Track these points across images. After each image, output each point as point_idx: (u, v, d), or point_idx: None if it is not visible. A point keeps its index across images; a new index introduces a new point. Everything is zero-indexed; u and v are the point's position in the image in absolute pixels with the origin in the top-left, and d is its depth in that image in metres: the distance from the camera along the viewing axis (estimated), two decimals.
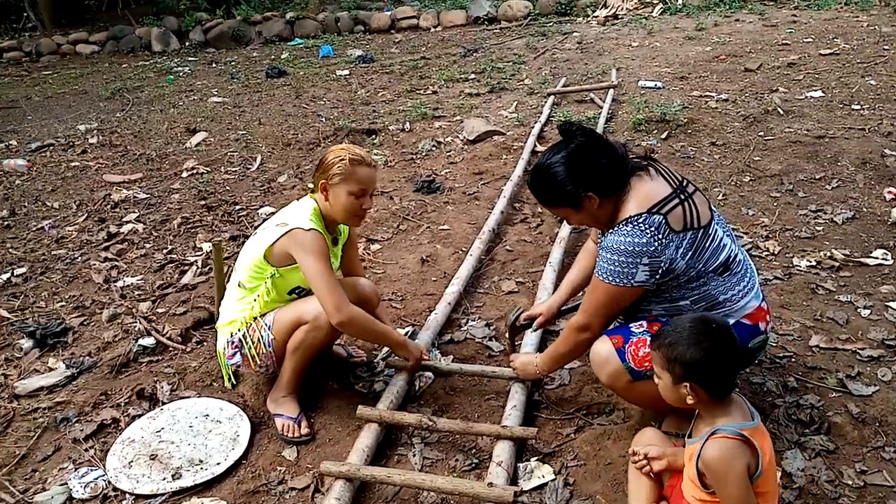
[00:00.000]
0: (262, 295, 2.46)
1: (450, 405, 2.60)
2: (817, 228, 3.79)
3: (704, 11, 10.66)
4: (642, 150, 5.09)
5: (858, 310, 2.99)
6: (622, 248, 1.98)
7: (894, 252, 3.46)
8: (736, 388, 1.79)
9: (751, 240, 3.69)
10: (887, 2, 9.87)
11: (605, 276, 2.04)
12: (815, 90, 6.21)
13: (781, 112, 5.66)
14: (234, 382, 2.77)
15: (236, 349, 2.52)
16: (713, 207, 2.15)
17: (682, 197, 2.05)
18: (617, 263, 2.00)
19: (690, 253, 2.02)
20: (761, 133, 5.28)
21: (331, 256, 2.56)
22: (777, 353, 2.72)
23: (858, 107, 5.70)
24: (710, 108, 5.91)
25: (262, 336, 2.47)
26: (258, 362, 2.51)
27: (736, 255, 2.12)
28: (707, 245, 2.05)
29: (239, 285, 2.51)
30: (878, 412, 2.35)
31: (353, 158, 2.37)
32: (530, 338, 2.77)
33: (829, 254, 3.45)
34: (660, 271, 2.00)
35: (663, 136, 5.36)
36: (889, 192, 4.13)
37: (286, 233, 2.33)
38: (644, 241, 1.96)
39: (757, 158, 4.83)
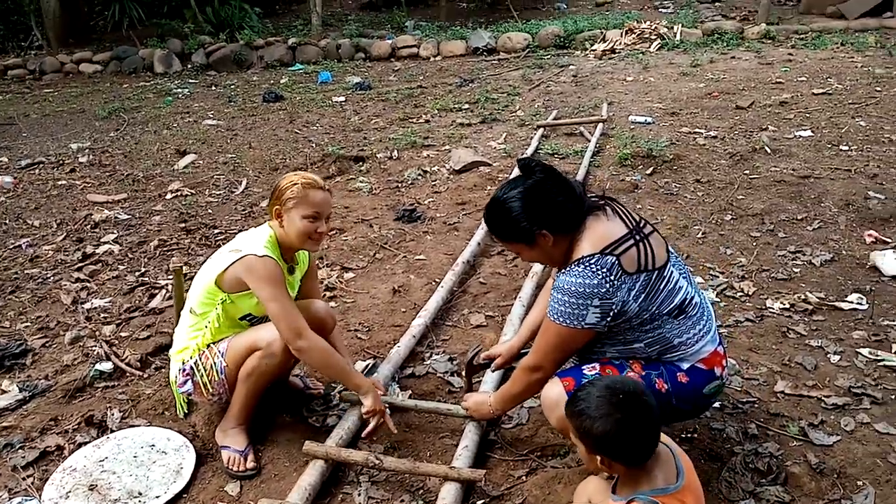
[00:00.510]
0: (213, 321, 2.42)
1: (403, 442, 2.54)
2: (794, 270, 3.74)
3: (702, 48, 10.71)
4: (627, 185, 5.07)
5: (828, 355, 2.93)
6: (573, 289, 1.94)
7: (870, 296, 3.41)
8: (663, 444, 1.71)
9: (726, 280, 3.65)
10: (882, 44, 9.92)
11: (555, 316, 1.99)
12: (805, 129, 6.20)
13: (769, 151, 5.64)
14: (187, 411, 2.71)
15: (188, 377, 2.47)
16: (670, 249, 2.11)
17: (638, 238, 2.01)
18: (567, 304, 1.96)
19: (644, 295, 1.97)
20: (747, 171, 5.26)
21: (286, 285, 2.52)
22: (740, 398, 2.66)
23: (847, 147, 5.68)
24: (697, 145, 5.90)
25: (214, 363, 2.42)
26: (210, 390, 2.46)
27: (692, 298, 2.07)
28: (661, 287, 2.00)
29: (191, 311, 2.47)
30: (837, 463, 2.29)
31: (306, 182, 2.36)
32: (490, 377, 2.71)
33: (803, 297, 3.40)
34: (611, 313, 1.95)
35: (648, 171, 5.33)
36: (869, 234, 4.08)
37: (239, 259, 2.30)
38: (595, 282, 1.92)
39: (740, 197, 4.80)
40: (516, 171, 5.23)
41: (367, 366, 2.93)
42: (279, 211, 2.37)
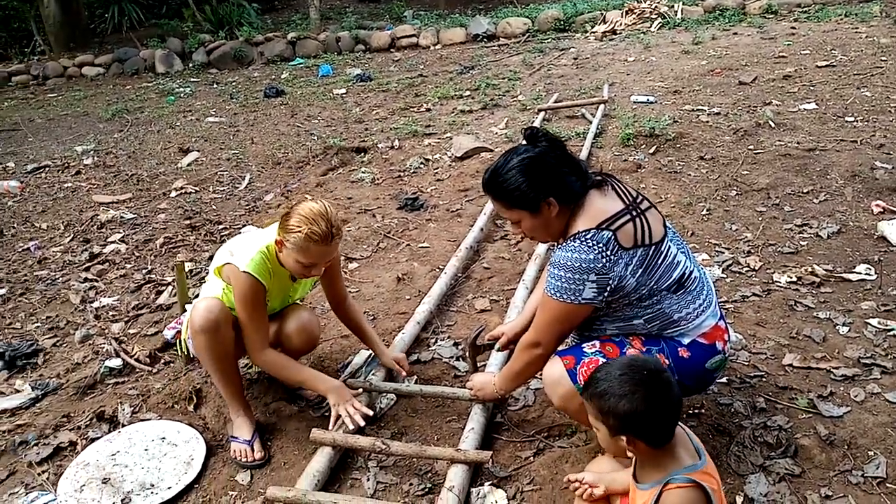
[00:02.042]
0: (222, 295, 2.47)
1: (410, 427, 2.55)
2: (801, 243, 3.72)
3: (703, 25, 10.62)
4: (630, 165, 5.04)
5: (837, 327, 2.92)
6: (569, 263, 1.93)
7: (878, 267, 3.38)
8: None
9: (732, 255, 3.63)
10: (887, 13, 9.79)
11: (552, 292, 1.99)
12: (809, 102, 6.14)
13: (773, 125, 5.60)
14: (187, 355, 2.74)
15: (178, 325, 2.63)
16: (668, 224, 2.10)
17: (634, 213, 2.00)
18: (564, 280, 1.95)
19: (641, 270, 1.97)
20: (751, 147, 5.22)
21: (288, 291, 2.56)
22: (748, 372, 2.65)
23: (852, 119, 5.62)
24: (700, 122, 5.85)
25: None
26: (184, 348, 2.63)
27: (691, 273, 2.06)
28: (659, 262, 1.99)
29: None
30: (847, 434, 2.27)
31: (311, 235, 2.19)
32: (495, 358, 2.71)
33: (810, 269, 3.37)
34: (608, 288, 1.95)
35: (651, 150, 5.30)
36: (877, 205, 4.05)
37: (227, 263, 2.36)
38: (591, 257, 1.91)
39: (745, 172, 4.77)
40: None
41: (369, 354, 2.93)
42: (281, 240, 2.29)
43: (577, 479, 1.82)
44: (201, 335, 2.34)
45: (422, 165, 5.64)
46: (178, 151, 6.95)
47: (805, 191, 4.39)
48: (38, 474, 2.44)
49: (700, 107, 6.33)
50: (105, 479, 2.37)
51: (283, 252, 2.31)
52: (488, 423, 2.46)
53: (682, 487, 1.54)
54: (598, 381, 1.62)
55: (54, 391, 2.97)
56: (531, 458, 2.31)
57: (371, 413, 2.42)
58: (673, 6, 11.59)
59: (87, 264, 4.37)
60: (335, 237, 2.25)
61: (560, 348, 2.13)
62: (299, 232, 2.20)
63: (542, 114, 6.68)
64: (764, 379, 2.62)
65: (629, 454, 1.62)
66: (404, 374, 2.72)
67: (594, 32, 11.16)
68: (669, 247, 2.03)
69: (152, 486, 2.32)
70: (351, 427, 2.35)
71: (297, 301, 2.72)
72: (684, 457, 1.60)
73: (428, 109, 7.64)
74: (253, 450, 2.41)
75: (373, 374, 2.70)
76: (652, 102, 6.68)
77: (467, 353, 2.63)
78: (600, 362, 2.00)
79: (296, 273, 2.34)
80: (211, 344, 2.35)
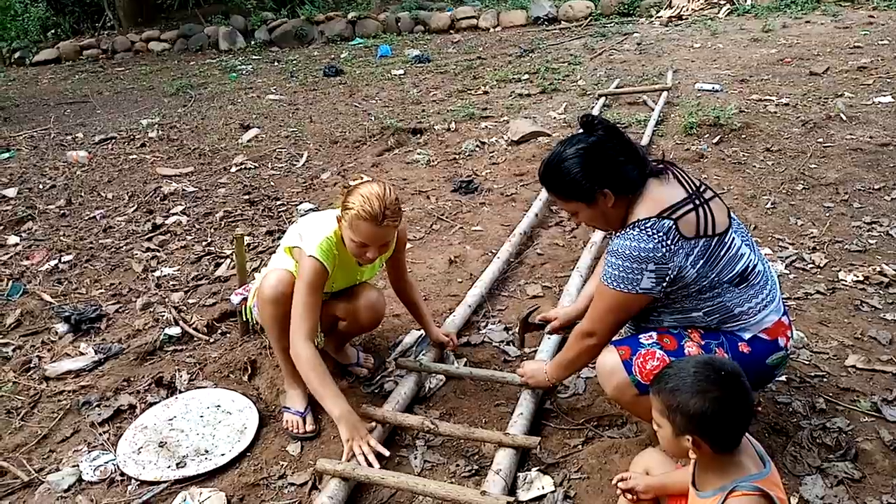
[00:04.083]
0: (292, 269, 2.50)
1: (458, 408, 2.56)
2: (870, 241, 3.57)
3: (774, 12, 10.24)
4: (692, 154, 4.92)
5: None
6: (627, 252, 1.90)
7: None
8: None
9: (796, 251, 3.51)
10: None
11: (609, 281, 1.96)
12: (885, 95, 5.87)
13: (844, 118, 5.37)
14: (249, 322, 2.86)
15: (245, 292, 2.71)
16: (733, 215, 2.03)
17: (697, 202, 1.95)
18: (622, 269, 1.92)
19: (702, 261, 1.91)
20: (820, 140, 5.02)
21: (356, 274, 2.59)
22: (808, 371, 2.56)
23: None
24: (768, 113, 5.66)
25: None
26: (249, 316, 2.72)
27: (755, 266, 2.00)
28: (722, 254, 1.94)
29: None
30: None
31: (361, 213, 2.19)
32: (546, 345, 2.70)
33: (878, 269, 3.24)
34: (667, 279, 1.91)
35: (715, 140, 5.15)
36: None
37: (296, 246, 2.39)
38: (651, 246, 1.87)
39: (813, 166, 4.59)
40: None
41: (420, 335, 2.95)
42: (340, 216, 2.30)
43: (626, 483, 1.77)
44: (270, 305, 2.38)
45: (477, 148, 5.61)
46: (239, 127, 7.09)
47: (876, 187, 4.21)
48: (100, 434, 2.54)
49: (768, 97, 6.12)
50: (162, 442, 2.44)
51: (340, 229, 2.33)
52: (537, 409, 2.44)
53: (747, 495, 1.47)
54: (670, 377, 1.56)
55: (116, 355, 3.07)
56: (579, 447, 2.29)
57: (387, 453, 2.21)
58: None
59: (150, 234, 4.50)
60: (387, 219, 2.20)
61: (616, 338, 2.10)
62: (352, 209, 2.22)
63: (602, 99, 6.56)
64: (825, 379, 2.53)
65: (691, 456, 1.55)
66: (452, 346, 2.77)
67: (659, 17, 10.89)
68: (734, 238, 1.97)
69: (206, 451, 2.39)
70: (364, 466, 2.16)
71: (366, 281, 2.73)
72: (749, 464, 1.53)
73: (485, 92, 7.59)
74: (305, 422, 2.45)
75: (424, 355, 2.72)
76: (717, 91, 6.49)
77: (518, 330, 2.62)
78: (657, 354, 1.97)
79: (351, 252, 2.34)
80: (278, 315, 2.39)
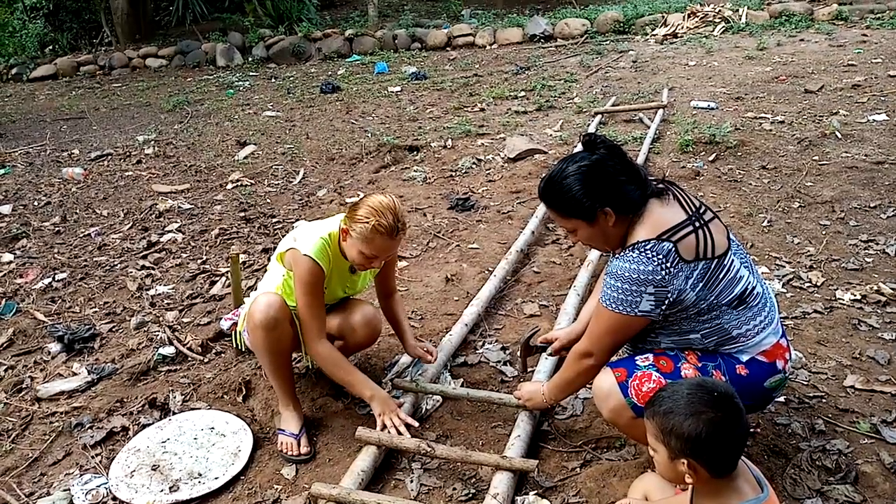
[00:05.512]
0: (280, 286, 2.53)
1: (455, 430, 2.53)
2: (867, 260, 3.57)
3: (768, 30, 10.30)
4: (688, 172, 4.93)
5: None
6: (627, 274, 1.89)
7: None
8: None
9: (793, 269, 3.50)
10: None
11: (608, 303, 1.94)
12: (879, 113, 5.90)
13: (839, 136, 5.39)
14: (241, 349, 2.87)
15: (235, 317, 2.69)
16: (732, 237, 2.03)
17: (697, 224, 1.94)
18: (621, 291, 1.90)
19: (702, 284, 1.90)
20: (816, 157, 5.04)
21: (322, 290, 2.55)
22: (807, 392, 2.55)
23: None
24: (763, 131, 5.68)
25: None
26: (239, 340, 2.73)
27: (753, 288, 1.99)
28: (721, 276, 1.93)
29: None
30: None
31: (378, 227, 2.24)
32: (544, 365, 2.68)
33: (876, 287, 3.23)
34: (666, 301, 1.89)
35: (710, 158, 5.17)
36: None
37: (290, 249, 2.38)
38: (650, 268, 1.86)
39: (809, 184, 4.60)
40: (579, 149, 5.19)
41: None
42: (347, 229, 2.33)
43: None
44: (260, 330, 2.36)
45: (474, 166, 5.61)
46: (236, 144, 7.09)
47: (872, 205, 4.21)
48: (92, 457, 2.51)
49: (763, 114, 6.14)
50: (155, 465, 2.41)
51: (347, 241, 2.35)
52: (535, 431, 2.42)
53: None
54: (663, 399, 1.55)
55: (109, 376, 3.04)
56: (578, 470, 2.27)
57: (416, 424, 2.40)
58: (737, 10, 11.27)
59: (145, 252, 4.48)
60: (400, 232, 2.29)
61: (612, 360, 2.08)
62: (367, 223, 2.24)
63: (598, 117, 6.58)
64: (824, 400, 2.52)
65: (688, 480, 1.53)
66: (430, 358, 2.71)
67: (654, 35, 10.95)
68: (733, 260, 1.96)
69: (200, 475, 2.36)
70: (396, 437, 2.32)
71: (356, 296, 2.73)
72: (746, 489, 1.52)
73: (482, 109, 7.61)
74: (300, 444, 2.43)
75: (420, 375, 2.70)
76: (713, 109, 6.52)
77: (520, 354, 2.60)
78: (653, 376, 1.95)
79: (357, 263, 2.37)
80: (269, 340, 2.38)
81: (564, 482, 2.22)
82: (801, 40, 9.47)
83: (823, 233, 3.92)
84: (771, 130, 5.68)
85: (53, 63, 13.86)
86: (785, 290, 3.32)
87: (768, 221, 4.10)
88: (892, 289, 3.21)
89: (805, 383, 2.61)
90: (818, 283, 3.36)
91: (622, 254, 1.93)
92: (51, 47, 15.19)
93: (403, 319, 2.77)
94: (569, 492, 2.17)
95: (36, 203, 5.66)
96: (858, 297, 3.20)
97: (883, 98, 6.37)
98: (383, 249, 2.30)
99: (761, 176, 4.82)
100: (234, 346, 2.96)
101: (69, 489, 2.34)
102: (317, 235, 2.38)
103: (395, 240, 2.29)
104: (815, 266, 3.54)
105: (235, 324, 2.76)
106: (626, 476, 2.16)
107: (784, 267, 3.54)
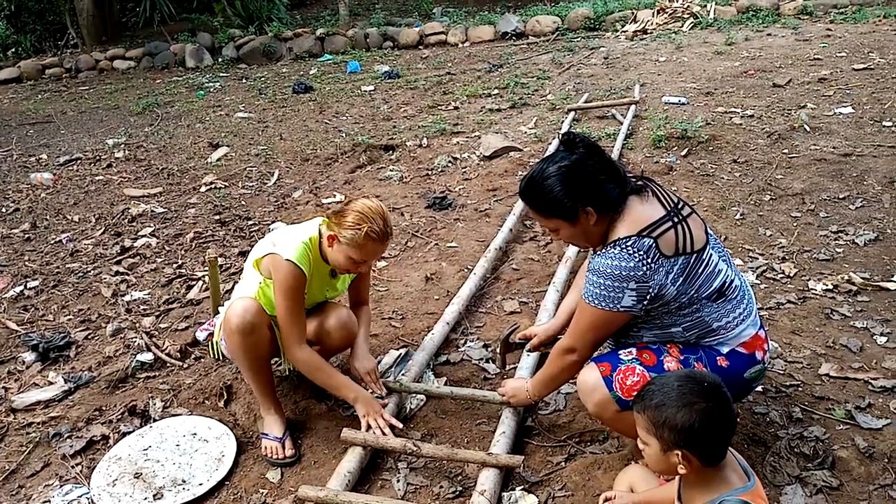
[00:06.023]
0: (257, 294, 2.50)
1: (440, 429, 2.54)
2: (837, 250, 3.65)
3: (736, 26, 10.46)
4: (661, 167, 4.99)
5: (874, 337, 2.86)
6: (608, 271, 1.91)
7: None
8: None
9: (766, 261, 3.57)
10: None
11: (591, 299, 1.97)
12: (845, 106, 6.03)
13: (808, 129, 5.50)
14: (218, 357, 2.84)
15: (211, 327, 2.66)
16: (709, 231, 2.06)
17: (676, 220, 1.97)
18: (603, 287, 1.93)
19: (682, 278, 1.94)
20: (785, 150, 5.13)
21: (325, 287, 2.57)
22: (783, 381, 2.60)
23: (890, 123, 5.50)
24: (734, 125, 5.77)
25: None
26: (218, 349, 2.68)
27: (732, 281, 2.03)
28: (700, 270, 1.96)
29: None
30: (887, 447, 2.22)
31: (370, 233, 2.24)
32: (525, 361, 2.70)
33: (847, 277, 3.31)
34: (648, 297, 1.92)
35: (683, 153, 5.24)
36: None
37: (269, 254, 2.36)
38: (632, 265, 1.88)
39: (779, 177, 4.69)
40: (552, 148, 5.23)
41: (399, 355, 2.93)
42: (334, 235, 2.31)
43: (611, 502, 1.78)
44: (237, 336, 2.34)
45: (450, 164, 5.62)
46: (208, 146, 7.01)
47: (841, 196, 4.31)
48: (72, 467, 2.47)
49: (733, 109, 6.24)
50: (137, 473, 2.38)
51: (333, 247, 2.34)
52: (519, 426, 2.44)
53: None
54: (654, 393, 1.57)
55: (86, 384, 2.99)
56: (563, 464, 2.29)
57: (400, 426, 2.41)
58: (705, 6, 11.43)
59: (119, 258, 4.42)
60: (390, 236, 2.32)
61: (595, 354, 2.11)
62: (358, 229, 2.23)
63: (571, 114, 6.63)
64: (800, 389, 2.57)
65: (680, 471, 1.55)
66: (372, 387, 2.55)
67: (625, 32, 11.06)
68: (711, 255, 1.99)
69: (184, 481, 2.34)
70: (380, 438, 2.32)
71: (333, 300, 2.72)
72: (734, 478, 1.55)
73: (456, 108, 7.62)
74: (284, 447, 2.42)
75: (402, 375, 2.70)
76: (684, 104, 6.60)
77: (498, 350, 2.62)
78: (637, 370, 1.98)
79: (342, 268, 2.37)
80: (246, 345, 2.37)
81: (550, 476, 2.24)
82: (769, 35, 9.64)
83: (795, 224, 4.00)
84: (741, 124, 5.78)
85: (17, 66, 13.56)
86: (759, 282, 3.38)
87: (741, 214, 4.17)
88: (863, 278, 3.29)
89: (781, 372, 2.66)
90: (791, 274, 3.43)
91: (604, 251, 1.95)
92: (13, 50, 14.86)
93: (366, 330, 2.72)
94: (555, 486, 2.19)
95: (4, 210, 5.54)
96: (830, 286, 3.27)
97: (848, 91, 6.51)
98: (373, 254, 2.33)
99: (733, 170, 4.90)
100: (213, 356, 2.94)
101: (49, 501, 2.30)
102: (298, 240, 2.36)
103: (385, 244, 2.33)
104: (787, 257, 3.61)
105: (211, 334, 2.73)
106: (610, 468, 2.19)
107: (757, 259, 3.61)
